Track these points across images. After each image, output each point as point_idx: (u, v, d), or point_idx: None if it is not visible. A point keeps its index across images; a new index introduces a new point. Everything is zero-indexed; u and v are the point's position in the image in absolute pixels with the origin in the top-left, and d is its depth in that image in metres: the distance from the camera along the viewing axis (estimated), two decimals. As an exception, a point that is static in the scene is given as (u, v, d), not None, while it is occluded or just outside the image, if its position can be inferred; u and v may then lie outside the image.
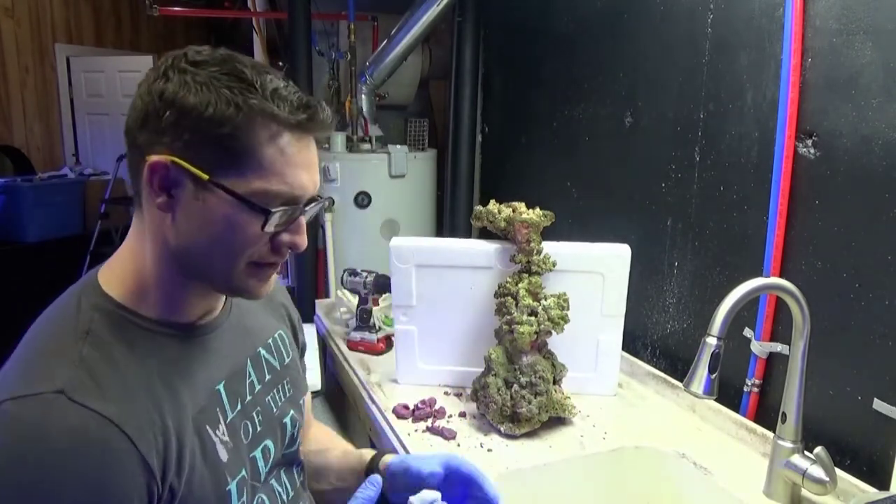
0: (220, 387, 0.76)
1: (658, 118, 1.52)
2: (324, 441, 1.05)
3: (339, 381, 1.68)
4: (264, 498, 0.80)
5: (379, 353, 1.65)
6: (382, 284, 1.67)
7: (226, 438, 0.74)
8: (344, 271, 1.74)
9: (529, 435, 1.23)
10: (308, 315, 2.18)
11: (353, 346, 1.68)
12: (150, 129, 0.65)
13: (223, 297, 0.80)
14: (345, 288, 1.77)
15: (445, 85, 2.59)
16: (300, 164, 0.69)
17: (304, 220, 0.73)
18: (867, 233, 1.06)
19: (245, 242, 0.68)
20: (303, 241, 0.73)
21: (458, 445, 1.19)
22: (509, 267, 1.33)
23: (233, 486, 0.72)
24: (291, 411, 0.88)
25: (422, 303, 1.40)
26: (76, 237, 4.49)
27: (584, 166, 1.83)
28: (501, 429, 1.22)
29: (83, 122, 5.40)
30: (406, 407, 1.31)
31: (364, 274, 1.70)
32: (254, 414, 0.80)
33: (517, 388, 1.21)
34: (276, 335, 0.90)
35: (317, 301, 2.06)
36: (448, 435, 1.21)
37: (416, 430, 1.24)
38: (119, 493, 0.59)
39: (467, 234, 2.31)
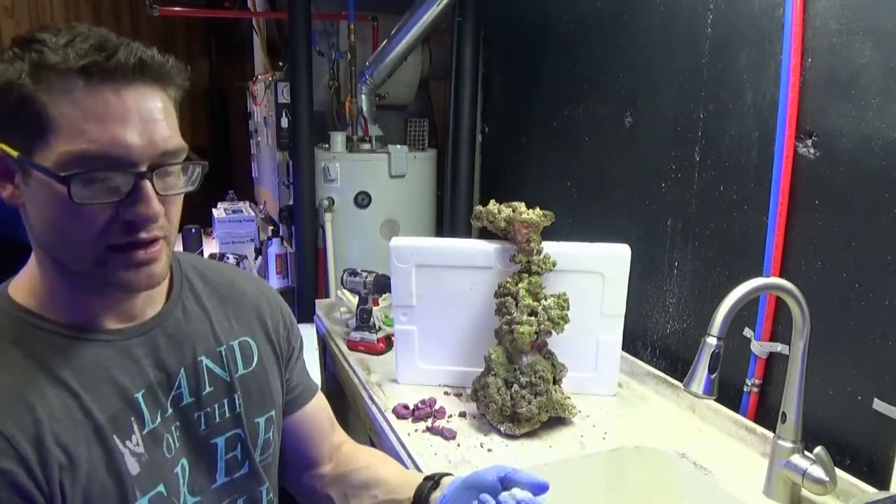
0: (139, 395, 0.69)
1: (658, 118, 1.52)
2: (371, 457, 0.99)
3: (339, 381, 1.68)
4: None
5: (379, 353, 1.65)
6: (382, 284, 1.67)
7: (139, 450, 0.68)
8: (344, 271, 1.74)
9: (529, 435, 1.23)
10: (308, 315, 2.18)
11: (353, 346, 1.68)
12: None
13: (154, 300, 0.73)
14: (345, 288, 1.77)
15: (445, 85, 2.59)
16: (108, 116, 0.58)
17: (148, 186, 0.61)
18: (867, 233, 1.06)
19: (73, 223, 0.60)
20: (144, 211, 0.61)
21: (458, 445, 1.19)
22: (509, 267, 1.33)
23: (143, 501, 0.67)
24: (233, 431, 0.78)
25: (422, 303, 1.40)
26: (76, 237, 4.48)
27: (584, 166, 1.83)
28: (501, 429, 1.22)
29: (83, 122, 5.39)
30: (406, 407, 1.31)
31: (364, 274, 1.70)
32: (173, 428, 0.73)
33: (517, 388, 1.21)
34: (233, 343, 0.80)
35: (317, 301, 2.06)
36: (448, 435, 1.21)
37: (416, 430, 1.24)
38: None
39: (467, 234, 2.31)
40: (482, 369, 1.30)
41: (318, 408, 0.95)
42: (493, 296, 1.32)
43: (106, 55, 0.57)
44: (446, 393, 1.40)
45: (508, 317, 1.25)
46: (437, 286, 1.39)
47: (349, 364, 1.59)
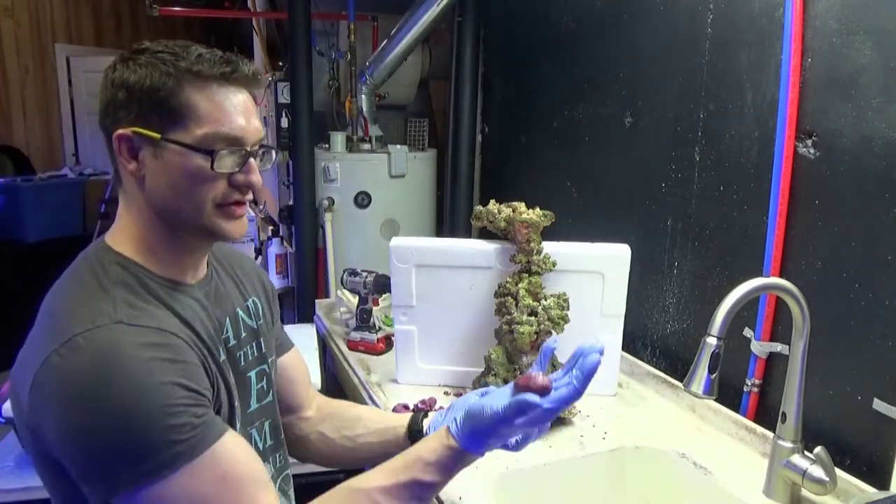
0: (213, 332, 0.87)
1: (658, 118, 1.52)
2: (356, 404, 1.15)
3: (339, 381, 1.68)
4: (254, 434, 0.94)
5: (379, 353, 1.65)
6: (382, 284, 1.67)
7: (233, 382, 0.88)
8: (344, 271, 1.74)
9: (529, 435, 1.23)
10: (308, 315, 2.18)
11: (353, 346, 1.68)
12: (111, 112, 0.79)
13: (203, 265, 0.91)
14: (345, 288, 1.77)
15: (445, 85, 2.59)
16: (233, 109, 0.80)
17: (254, 162, 0.83)
18: (867, 233, 1.06)
19: (203, 186, 0.80)
20: (256, 178, 0.83)
21: (458, 445, 1.19)
22: (509, 267, 1.33)
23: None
24: (260, 367, 0.96)
25: (422, 303, 1.40)
26: (76, 237, 4.47)
27: (584, 166, 1.83)
28: (501, 429, 1.22)
29: (83, 122, 5.38)
30: (406, 407, 1.31)
31: (364, 274, 1.70)
32: (229, 366, 0.90)
33: (517, 388, 1.21)
34: (250, 301, 0.99)
35: (317, 301, 2.06)
36: (448, 435, 1.21)
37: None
38: (199, 374, 0.76)
39: (467, 234, 2.31)
40: (482, 369, 1.30)
41: (297, 359, 1.12)
42: (493, 296, 1.32)
43: (233, 68, 0.80)
44: (446, 393, 1.40)
45: (508, 317, 1.25)
46: (436, 286, 1.39)
47: (349, 364, 1.59)
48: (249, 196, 0.85)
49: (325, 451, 1.07)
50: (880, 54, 1.02)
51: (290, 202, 2.44)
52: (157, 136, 0.78)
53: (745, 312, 1.24)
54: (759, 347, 1.24)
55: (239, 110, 0.81)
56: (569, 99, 1.87)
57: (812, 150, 1.14)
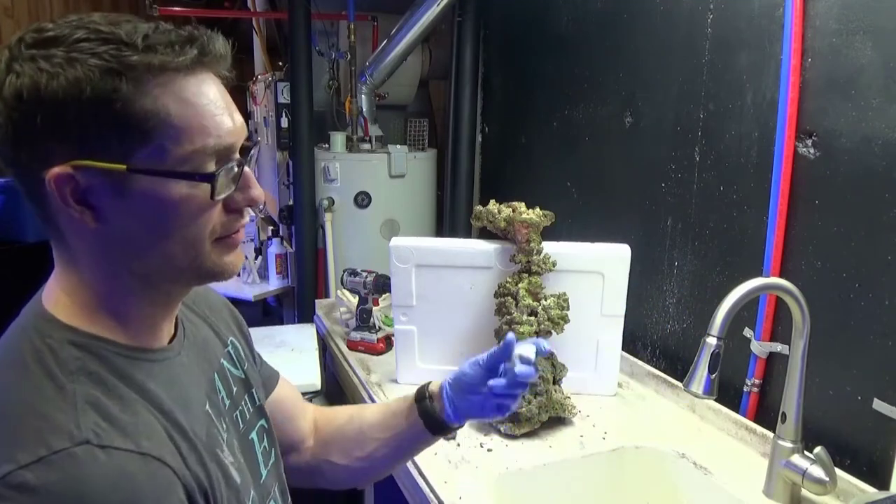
0: (207, 407, 0.68)
1: (658, 118, 1.52)
2: (348, 410, 0.97)
3: (339, 381, 1.68)
4: None
5: (379, 353, 1.65)
6: (382, 284, 1.67)
7: (231, 459, 0.67)
8: (344, 271, 1.74)
9: (529, 435, 1.23)
10: (308, 315, 2.18)
11: (353, 346, 1.68)
12: (28, 143, 0.53)
13: (174, 312, 0.69)
14: (345, 288, 1.77)
15: (445, 85, 2.59)
16: (215, 107, 0.58)
17: (249, 170, 0.62)
18: (867, 233, 1.06)
19: (200, 221, 0.58)
20: (258, 193, 0.62)
21: (458, 445, 1.19)
22: (509, 267, 1.33)
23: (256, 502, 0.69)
24: (259, 423, 0.79)
25: (422, 303, 1.40)
26: (76, 237, 4.48)
27: (584, 166, 1.83)
28: (501, 429, 1.22)
29: (83, 122, 5.39)
30: (406, 407, 1.30)
31: (364, 274, 1.70)
32: (232, 429, 0.73)
33: (517, 388, 1.21)
34: (230, 345, 0.80)
35: (317, 301, 2.06)
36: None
37: (416, 430, 1.24)
38: None
39: (467, 234, 2.31)
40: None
41: (287, 389, 0.94)
42: (493, 296, 1.32)
43: (201, 49, 0.57)
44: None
45: (508, 317, 1.26)
46: (436, 286, 1.39)
47: (349, 364, 1.59)
48: (249, 217, 0.70)
49: (344, 477, 0.94)
50: (880, 54, 1.02)
51: (290, 202, 2.44)
52: (122, 166, 0.54)
53: (745, 312, 1.24)
54: (759, 347, 1.24)
55: (220, 107, 0.58)
56: (569, 99, 1.87)
57: (812, 150, 1.14)
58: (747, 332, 1.27)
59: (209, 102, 0.57)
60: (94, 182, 0.55)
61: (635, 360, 1.52)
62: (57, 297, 0.61)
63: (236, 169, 0.60)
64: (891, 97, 1.01)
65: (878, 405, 1.03)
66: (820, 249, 1.14)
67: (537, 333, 1.23)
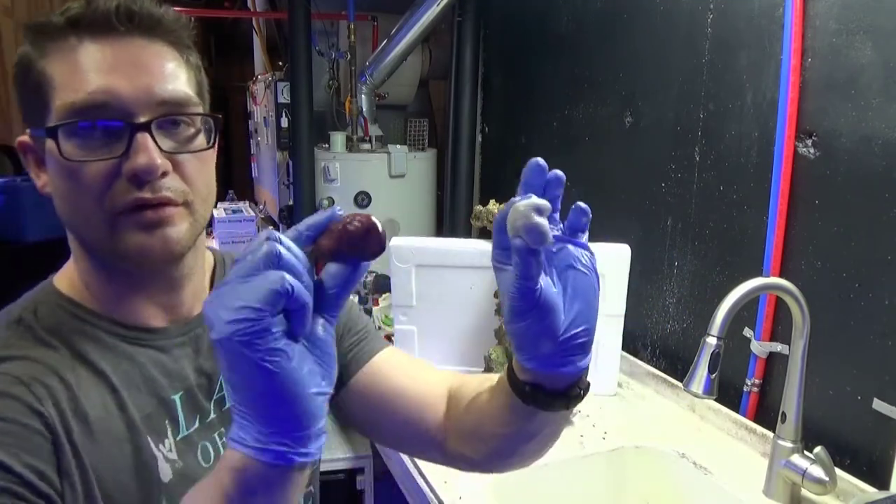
0: (176, 398, 0.64)
1: (658, 118, 1.52)
2: (467, 393, 0.73)
3: (339, 381, 1.68)
4: None
5: (379, 353, 1.65)
6: (382, 284, 1.67)
7: (173, 456, 0.62)
8: (344, 271, 1.74)
9: (529, 435, 1.23)
10: (308, 315, 2.18)
11: (353, 346, 1.67)
12: (22, 107, 0.60)
13: (200, 297, 0.67)
14: (345, 288, 1.76)
15: (445, 85, 2.59)
16: (98, 67, 0.55)
17: (144, 138, 0.55)
18: (867, 233, 1.06)
19: (82, 187, 0.55)
20: (142, 160, 0.54)
21: (458, 445, 1.19)
22: (509, 267, 1.33)
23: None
24: None
25: (422, 303, 1.40)
26: (76, 237, 4.48)
27: (584, 166, 1.83)
28: (501, 429, 1.22)
29: (83, 122, 5.39)
30: (406, 407, 1.30)
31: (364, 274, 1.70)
32: (215, 436, 0.67)
33: (517, 388, 1.21)
34: None
35: (317, 301, 2.06)
36: (448, 435, 1.21)
37: (416, 430, 1.24)
38: (32, 448, 0.53)
39: (467, 234, 2.31)
40: (482, 369, 1.30)
41: (383, 364, 0.77)
42: (493, 296, 1.32)
43: (90, 7, 0.55)
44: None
45: (508, 317, 1.26)
46: (436, 286, 1.39)
47: (349, 364, 1.59)
48: (160, 193, 0.56)
49: (493, 468, 0.75)
50: (880, 54, 1.02)
51: (290, 202, 2.44)
52: (27, 131, 0.59)
53: (745, 312, 1.24)
54: (759, 347, 1.24)
55: (106, 65, 0.54)
56: (569, 99, 1.87)
57: (812, 150, 1.14)
58: (747, 332, 1.27)
59: (94, 61, 0.55)
60: (40, 148, 0.58)
61: (635, 359, 1.52)
62: (64, 266, 0.65)
63: (112, 135, 0.55)
64: (891, 97, 1.01)
65: (878, 405, 1.03)
66: (820, 249, 1.14)
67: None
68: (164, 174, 0.56)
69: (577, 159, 1.86)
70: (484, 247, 1.36)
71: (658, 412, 1.34)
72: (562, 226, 0.57)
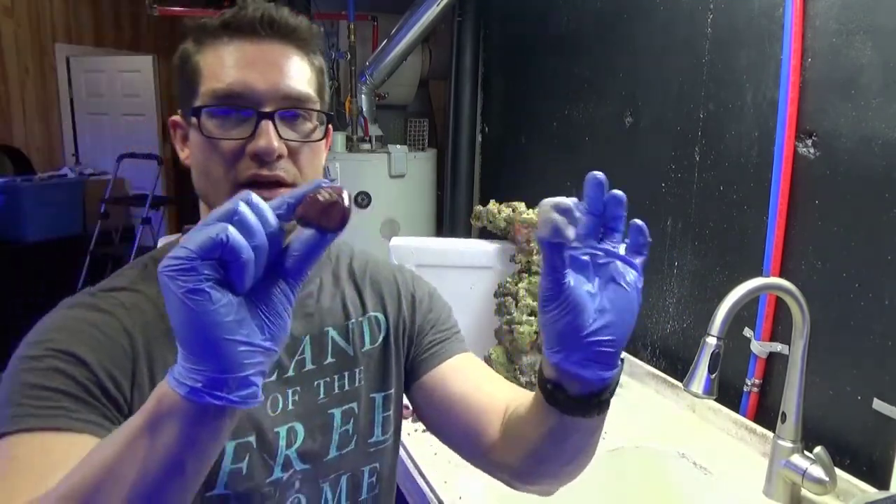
0: None
1: (658, 118, 1.52)
2: (507, 405, 0.78)
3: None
4: (283, 478, 0.71)
5: (379, 353, 1.65)
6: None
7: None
8: (344, 271, 1.74)
9: (529, 435, 1.23)
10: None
11: (353, 346, 1.67)
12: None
13: None
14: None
15: (445, 85, 2.59)
16: (236, 62, 0.66)
17: (267, 125, 0.65)
18: (867, 233, 1.06)
19: (213, 158, 0.66)
20: (263, 143, 0.64)
21: (458, 445, 1.19)
22: (509, 267, 1.33)
23: (229, 446, 0.67)
24: (349, 405, 0.77)
25: (422, 303, 1.40)
26: (76, 237, 4.48)
27: (584, 166, 1.82)
28: (501, 429, 1.22)
29: (83, 122, 5.39)
30: (406, 407, 1.30)
31: (364, 274, 1.70)
32: (289, 391, 0.73)
33: (517, 388, 1.21)
34: (362, 319, 0.80)
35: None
36: (448, 435, 1.21)
37: (416, 430, 1.24)
38: (112, 357, 0.63)
39: (467, 234, 2.31)
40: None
41: (456, 368, 0.82)
42: (493, 296, 1.32)
43: (234, 13, 0.66)
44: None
45: (508, 317, 1.26)
46: (437, 286, 1.39)
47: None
48: (274, 171, 0.66)
49: (536, 488, 0.81)
50: (880, 54, 1.02)
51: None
52: (179, 112, 0.70)
53: (745, 312, 1.24)
54: (759, 347, 1.24)
55: (246, 62, 0.65)
56: (569, 99, 1.87)
57: (812, 150, 1.14)
58: (747, 332, 1.27)
59: (237, 58, 0.66)
60: (186, 125, 0.69)
61: (635, 360, 1.52)
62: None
63: (243, 120, 0.65)
64: (891, 97, 1.01)
65: (878, 405, 1.03)
66: (820, 249, 1.14)
67: (537, 334, 1.23)
68: (280, 157, 0.66)
69: (577, 159, 1.86)
70: (484, 247, 1.36)
71: (658, 412, 1.34)
72: (625, 243, 0.60)
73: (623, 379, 1.47)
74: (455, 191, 2.46)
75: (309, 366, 0.74)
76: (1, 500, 0.53)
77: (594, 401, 0.59)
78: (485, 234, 1.38)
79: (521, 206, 1.31)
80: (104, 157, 5.20)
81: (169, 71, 5.79)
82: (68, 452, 0.54)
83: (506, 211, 1.30)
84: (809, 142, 1.14)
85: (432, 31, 2.32)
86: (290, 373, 0.73)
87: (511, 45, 2.26)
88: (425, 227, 2.55)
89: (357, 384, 0.78)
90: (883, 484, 1.01)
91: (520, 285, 1.27)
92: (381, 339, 0.81)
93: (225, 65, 0.65)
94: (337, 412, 0.76)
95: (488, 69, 2.42)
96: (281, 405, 0.72)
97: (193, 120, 0.66)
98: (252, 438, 0.69)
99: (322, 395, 0.75)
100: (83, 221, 4.66)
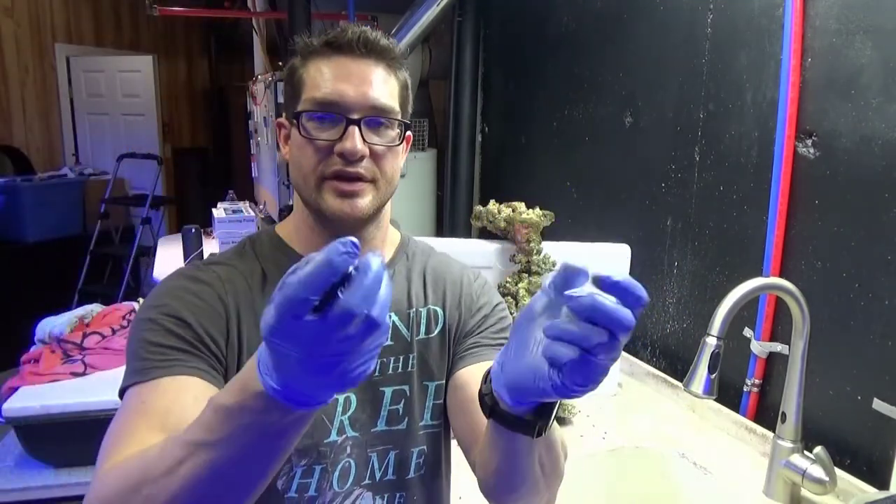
0: None
1: (658, 118, 1.52)
2: None
3: (339, 381, 1.68)
4: (338, 441, 0.79)
5: (379, 353, 1.65)
6: (382, 284, 1.67)
7: None
8: (344, 271, 1.74)
9: (529, 435, 1.23)
10: (308, 315, 2.18)
11: (353, 346, 1.67)
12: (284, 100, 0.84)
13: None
14: (345, 288, 1.76)
15: (445, 85, 2.59)
16: (334, 75, 0.77)
17: (355, 130, 0.76)
18: (867, 233, 1.06)
19: (305, 154, 0.77)
20: (349, 145, 0.75)
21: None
22: (509, 267, 1.33)
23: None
24: (400, 386, 0.82)
25: (422, 303, 1.40)
26: (76, 237, 4.48)
27: (584, 166, 1.83)
28: (501, 429, 1.22)
29: (83, 122, 5.39)
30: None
31: (364, 274, 1.70)
32: None
33: (517, 388, 1.21)
34: (422, 309, 0.86)
35: (317, 301, 2.06)
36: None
37: (416, 430, 1.24)
38: (211, 319, 0.75)
39: (467, 234, 2.31)
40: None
41: (479, 373, 0.80)
42: (493, 296, 1.32)
43: (336, 35, 0.78)
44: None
45: (508, 317, 1.25)
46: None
47: (349, 364, 1.59)
48: (356, 168, 0.77)
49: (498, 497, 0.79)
50: (880, 54, 1.02)
51: (290, 202, 2.44)
52: (283, 115, 0.82)
53: (745, 312, 1.24)
54: (759, 347, 1.24)
55: (341, 75, 0.77)
56: (569, 99, 1.87)
57: (812, 150, 1.14)
58: (747, 332, 1.27)
59: (334, 72, 0.77)
60: (289, 127, 0.81)
61: (635, 360, 1.52)
62: (284, 221, 0.88)
63: (335, 124, 0.76)
64: (891, 97, 1.01)
65: (878, 405, 1.03)
66: (820, 249, 1.14)
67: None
68: (362, 157, 0.77)
69: (577, 159, 1.86)
70: (484, 247, 1.36)
71: (658, 412, 1.34)
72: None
73: (623, 379, 1.47)
74: (455, 191, 2.46)
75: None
76: (139, 433, 0.65)
77: (526, 418, 0.59)
78: (485, 234, 1.38)
79: (521, 206, 1.31)
80: (104, 157, 5.20)
81: (169, 71, 5.80)
82: (185, 390, 0.68)
83: (506, 211, 1.30)
84: (809, 142, 1.15)
85: (432, 31, 2.32)
86: None
87: (511, 45, 2.26)
88: (425, 227, 2.55)
89: (409, 369, 0.85)
90: (883, 484, 1.01)
91: (520, 285, 1.27)
92: (437, 332, 0.87)
93: (324, 77, 0.77)
94: (388, 390, 0.83)
95: (488, 69, 2.42)
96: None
97: (294, 121, 0.78)
98: None
99: (377, 373, 0.83)
100: (83, 221, 4.66)
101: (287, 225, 0.87)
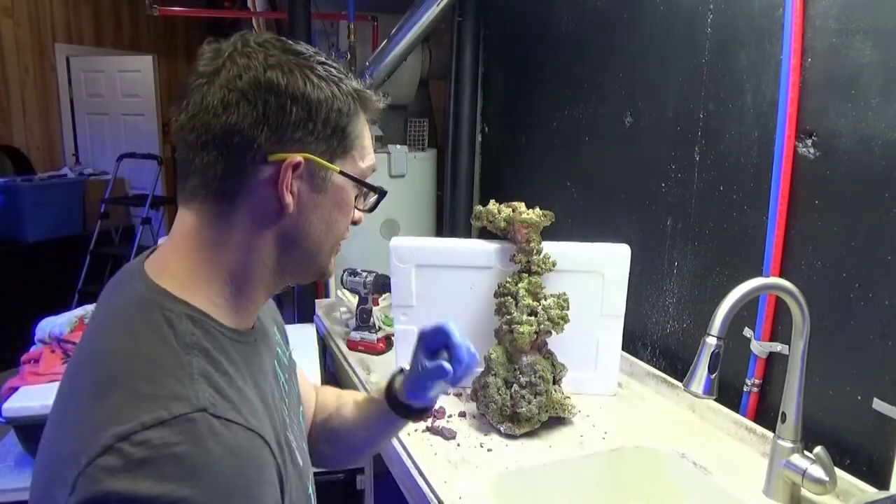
0: (275, 391, 0.72)
1: (658, 118, 1.52)
2: (331, 402, 1.00)
3: (338, 380, 1.68)
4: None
5: (379, 353, 1.65)
6: (382, 284, 1.67)
7: (295, 442, 0.71)
8: (344, 271, 1.74)
9: (529, 435, 1.23)
10: (308, 315, 2.18)
11: (352, 345, 1.68)
12: (273, 127, 0.62)
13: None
14: (345, 288, 1.77)
15: (445, 85, 2.59)
16: (370, 143, 0.73)
17: None
18: (867, 233, 1.06)
19: (345, 222, 0.72)
20: (359, 216, 0.76)
21: (458, 445, 1.19)
22: (509, 267, 1.33)
23: (311, 488, 0.74)
24: (301, 406, 0.85)
25: (422, 303, 1.40)
26: (76, 237, 4.48)
27: (584, 166, 1.83)
28: (501, 429, 1.22)
29: (83, 122, 5.39)
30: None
31: (364, 274, 1.70)
32: (284, 406, 0.77)
33: (517, 388, 1.21)
34: (276, 331, 0.86)
35: (317, 301, 2.06)
36: (448, 435, 1.21)
37: (416, 430, 1.24)
38: (273, 495, 0.59)
39: (467, 234, 2.31)
40: (482, 369, 1.30)
41: (303, 379, 0.96)
42: (493, 296, 1.32)
43: (374, 99, 0.71)
44: (446, 393, 1.40)
45: (508, 317, 1.25)
46: (437, 286, 1.39)
47: (349, 364, 1.59)
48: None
49: (325, 463, 0.99)
50: (880, 54, 1.02)
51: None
52: (337, 168, 0.67)
53: (745, 312, 1.24)
54: (759, 347, 1.24)
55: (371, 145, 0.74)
56: (569, 99, 1.87)
57: (812, 150, 1.14)
58: (747, 332, 1.27)
59: (370, 139, 0.73)
60: (308, 174, 0.65)
61: (635, 359, 1.52)
62: (169, 271, 0.64)
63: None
64: (891, 97, 1.01)
65: (878, 405, 1.03)
66: (820, 249, 1.14)
67: (537, 334, 1.23)
68: None
69: (577, 159, 1.86)
70: (484, 247, 1.36)
71: (658, 412, 1.34)
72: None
73: (623, 379, 1.47)
74: (455, 191, 2.46)
75: (285, 386, 0.80)
76: None
77: (424, 412, 0.93)
78: (485, 234, 1.38)
79: (521, 206, 1.31)
80: (104, 157, 5.20)
81: (169, 71, 5.80)
82: None
83: (506, 211, 1.30)
84: (809, 142, 1.15)
85: (432, 31, 2.32)
86: (286, 398, 0.79)
87: (511, 45, 2.26)
88: (425, 227, 2.55)
89: (296, 388, 0.87)
90: (883, 484, 1.01)
91: (520, 285, 1.27)
92: (286, 345, 0.90)
93: (369, 143, 0.72)
94: (301, 417, 0.86)
95: (488, 69, 2.42)
96: (292, 433, 0.79)
97: (344, 182, 0.69)
98: (311, 477, 0.81)
99: (294, 408, 0.83)
100: (83, 221, 4.66)
101: (204, 289, 0.64)
